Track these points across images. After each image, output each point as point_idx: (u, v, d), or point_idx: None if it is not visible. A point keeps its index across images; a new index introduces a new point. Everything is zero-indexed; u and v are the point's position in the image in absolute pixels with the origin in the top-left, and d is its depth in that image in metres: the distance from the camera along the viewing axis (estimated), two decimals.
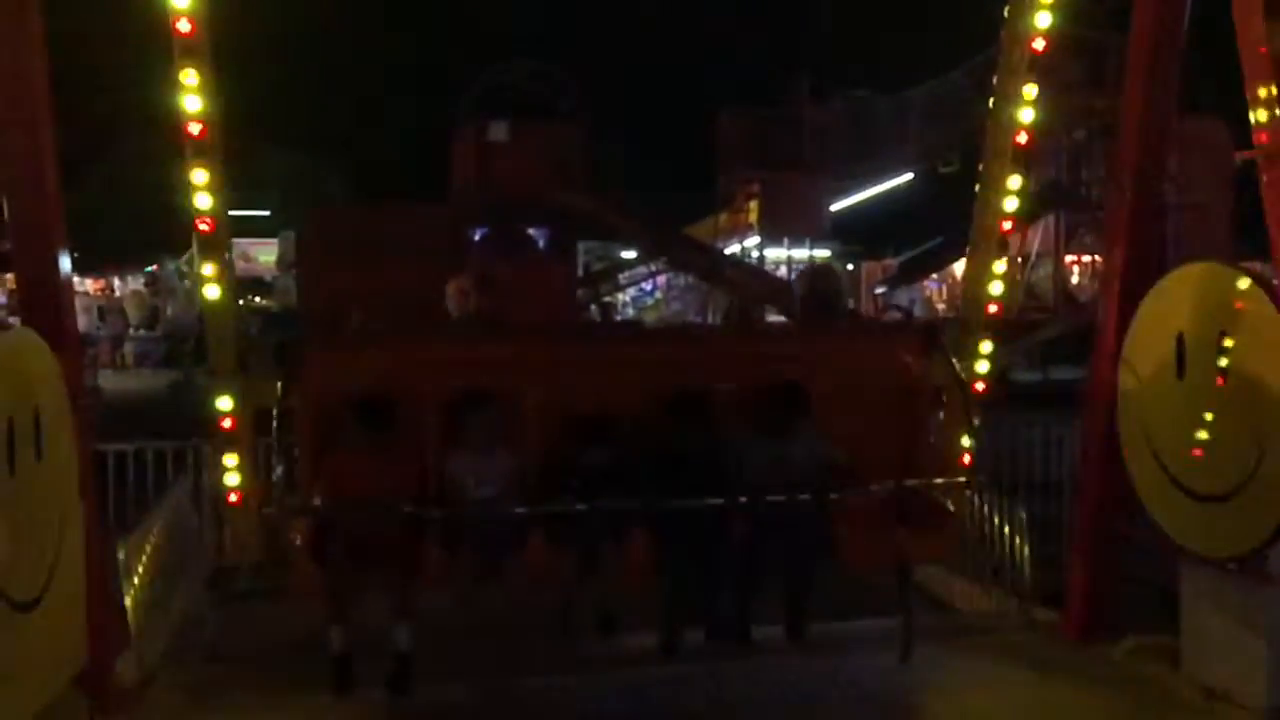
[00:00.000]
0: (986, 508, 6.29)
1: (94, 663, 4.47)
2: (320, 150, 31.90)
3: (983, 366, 5.74)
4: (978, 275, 5.91)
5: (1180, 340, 4.83)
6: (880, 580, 7.76)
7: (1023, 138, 5.71)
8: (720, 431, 4.99)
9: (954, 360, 5.32)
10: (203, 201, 5.09)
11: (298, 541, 4.74)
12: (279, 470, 4.81)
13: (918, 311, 23.18)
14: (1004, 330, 6.48)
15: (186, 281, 31.71)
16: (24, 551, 3.81)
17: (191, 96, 4.98)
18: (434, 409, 4.88)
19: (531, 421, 4.95)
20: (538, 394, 4.96)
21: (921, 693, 5.04)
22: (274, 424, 4.71)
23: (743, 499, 4.73)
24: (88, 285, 31.90)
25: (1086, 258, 25.60)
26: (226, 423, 5.18)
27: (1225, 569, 4.73)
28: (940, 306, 29.18)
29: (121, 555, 5.12)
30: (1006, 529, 6.09)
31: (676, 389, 4.94)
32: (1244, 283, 4.55)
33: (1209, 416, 4.68)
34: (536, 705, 5.06)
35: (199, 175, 5.05)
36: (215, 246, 5.20)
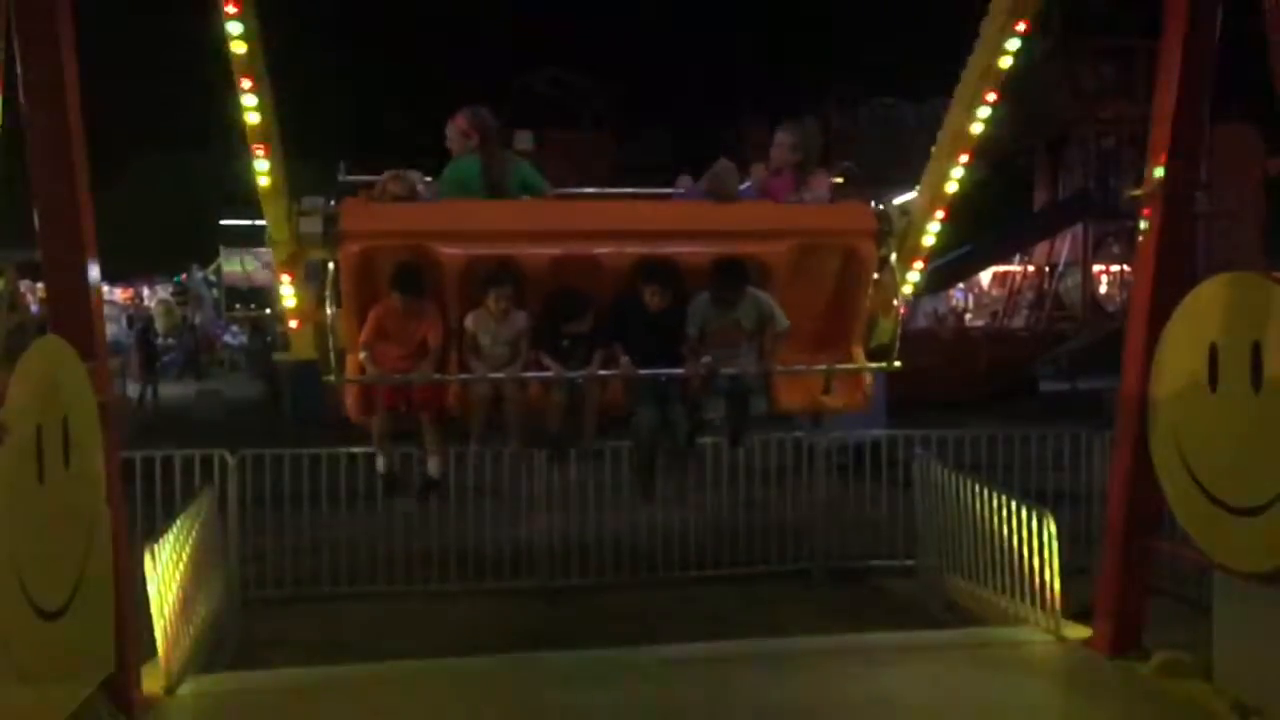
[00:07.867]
0: (1015, 520, 6.23)
1: (120, 669, 4.50)
2: (336, 160, 31.99)
3: (929, 239, 6.71)
4: (937, 180, 6.63)
5: (1213, 351, 4.77)
6: (903, 595, 7.74)
7: (1006, 62, 6.21)
8: (683, 298, 5.68)
9: (895, 251, 6.05)
10: (253, 118, 6.18)
11: (349, 400, 5.81)
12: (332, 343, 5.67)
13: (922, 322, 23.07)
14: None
15: (214, 290, 31.98)
16: (52, 559, 3.84)
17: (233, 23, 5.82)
18: (457, 277, 5.65)
19: (532, 286, 5.68)
20: (537, 260, 5.71)
21: (949, 707, 4.98)
22: (327, 275, 5.67)
23: (705, 359, 5.56)
24: (116, 294, 32.21)
25: (1115, 267, 25.35)
26: (285, 274, 6.36)
27: (1259, 583, 4.65)
28: (968, 316, 28.98)
29: (147, 562, 5.15)
30: (1035, 542, 6.02)
31: (647, 260, 5.66)
32: (1277, 293, 4.49)
33: (1242, 428, 4.61)
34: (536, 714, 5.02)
35: (248, 99, 6.08)
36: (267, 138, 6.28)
